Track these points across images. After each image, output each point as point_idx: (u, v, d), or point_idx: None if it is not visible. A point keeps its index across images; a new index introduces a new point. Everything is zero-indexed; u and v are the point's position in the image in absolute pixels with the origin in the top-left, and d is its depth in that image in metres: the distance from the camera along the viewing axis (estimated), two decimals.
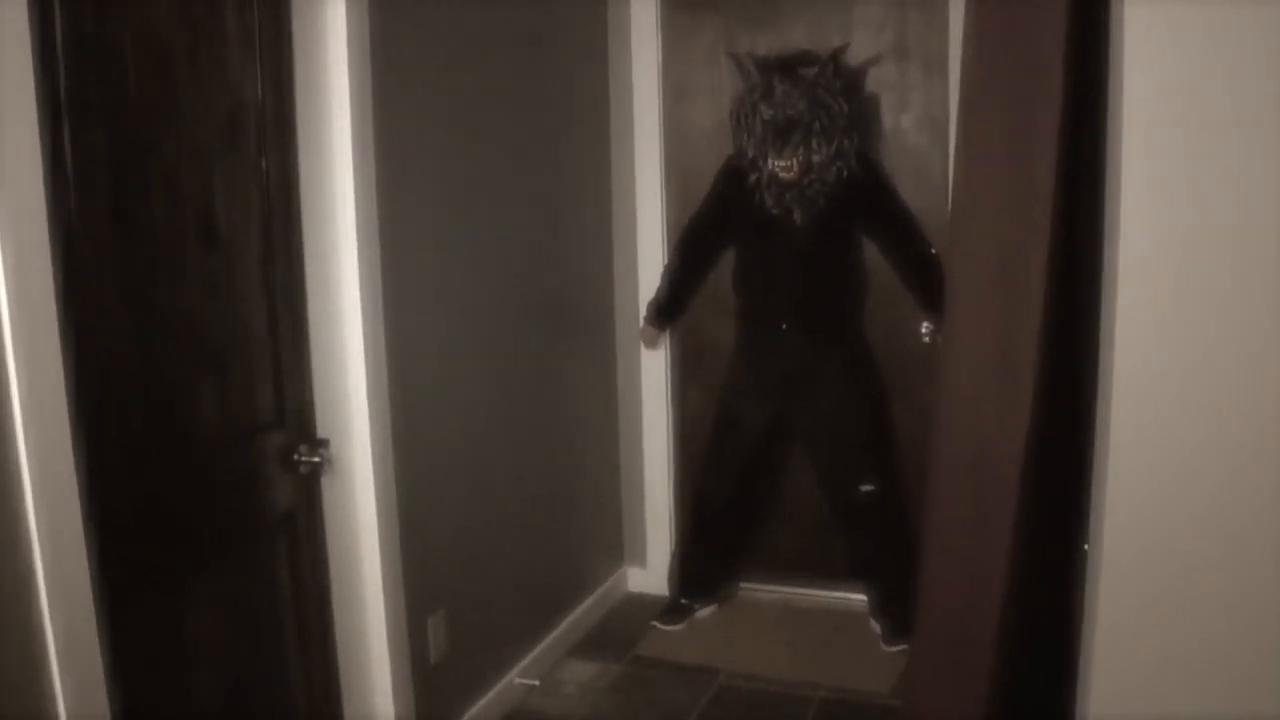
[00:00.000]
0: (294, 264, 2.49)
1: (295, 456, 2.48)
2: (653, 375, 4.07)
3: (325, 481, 2.59)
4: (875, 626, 3.71)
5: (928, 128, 3.64)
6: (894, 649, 3.55)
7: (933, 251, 3.56)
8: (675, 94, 3.91)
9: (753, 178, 3.48)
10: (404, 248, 2.76)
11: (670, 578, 4.02)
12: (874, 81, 3.64)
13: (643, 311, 3.94)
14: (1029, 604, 2.51)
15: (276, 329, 2.44)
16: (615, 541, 4.17)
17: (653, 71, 3.89)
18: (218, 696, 2.31)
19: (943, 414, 2.61)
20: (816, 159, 3.39)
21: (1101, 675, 2.13)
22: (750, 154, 3.47)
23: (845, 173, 3.42)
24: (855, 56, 3.58)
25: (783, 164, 3.39)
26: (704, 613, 3.92)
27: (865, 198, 3.51)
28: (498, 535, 3.27)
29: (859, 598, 3.85)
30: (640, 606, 4.03)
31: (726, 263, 3.79)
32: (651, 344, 3.98)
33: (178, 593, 2.19)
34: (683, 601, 3.90)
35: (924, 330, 3.66)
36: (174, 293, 2.18)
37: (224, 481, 2.33)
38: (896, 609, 3.63)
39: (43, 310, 1.76)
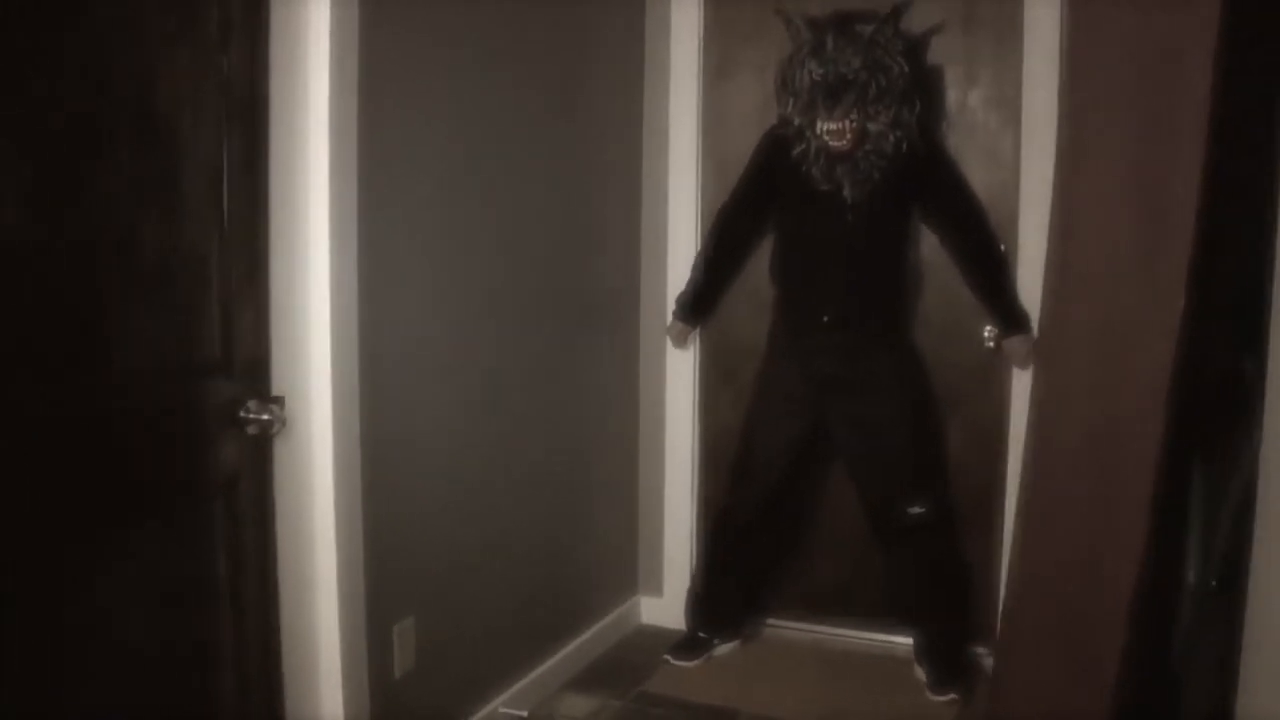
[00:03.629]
0: (255, 184, 2.11)
1: (242, 413, 2.08)
2: (680, 379, 3.64)
3: (278, 446, 2.19)
4: (919, 672, 3.23)
5: (998, 106, 3.23)
6: (942, 698, 3.09)
7: (1002, 248, 3.14)
8: (716, 71, 3.54)
9: (799, 148, 3.08)
10: (391, 190, 2.39)
11: (687, 609, 3.57)
12: (937, 53, 3.24)
13: (671, 307, 3.53)
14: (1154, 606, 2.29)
15: (228, 257, 2.06)
16: (629, 566, 3.73)
17: (693, 45, 3.52)
18: (121, 708, 1.87)
19: (1051, 405, 2.49)
20: (872, 127, 2.98)
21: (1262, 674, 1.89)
22: (796, 121, 3.07)
23: (904, 145, 3.01)
24: (917, 23, 3.18)
25: (833, 128, 2.98)
26: (724, 649, 3.46)
27: (926, 177, 3.10)
28: (486, 541, 2.85)
29: (902, 640, 3.37)
30: (653, 640, 3.58)
31: (765, 252, 3.38)
32: (680, 343, 3.56)
33: (68, 570, 1.77)
34: (700, 635, 3.45)
35: (987, 335, 3.23)
36: (92, 197, 1.79)
37: (145, 430, 1.92)
38: (946, 652, 3.18)
39: None
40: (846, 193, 3.03)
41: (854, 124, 2.95)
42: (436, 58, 2.54)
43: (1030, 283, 3.14)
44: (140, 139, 1.88)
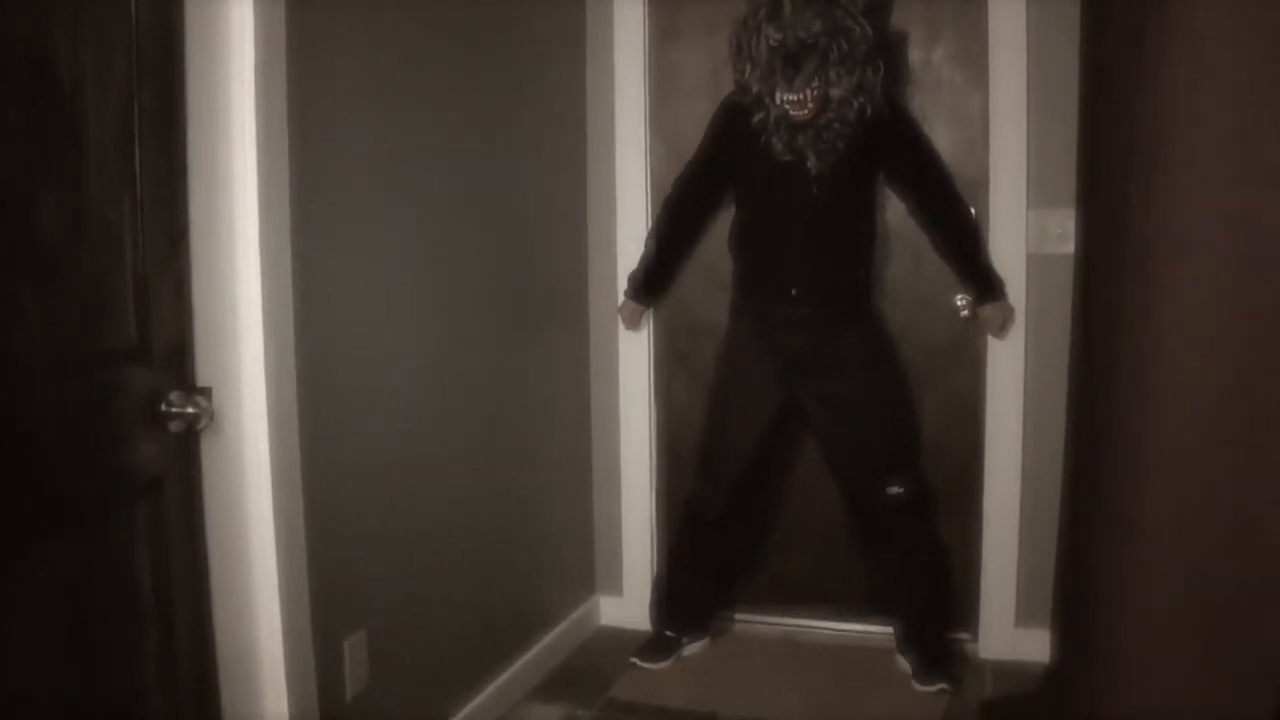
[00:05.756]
0: (172, 145, 1.86)
1: (164, 406, 1.83)
2: (633, 362, 3.43)
3: (206, 444, 1.93)
4: (903, 662, 3.06)
5: (963, 63, 3.08)
6: (930, 689, 2.93)
7: (972, 212, 2.99)
8: (663, 34, 3.33)
9: (758, 117, 2.87)
10: (326, 156, 2.14)
11: (652, 606, 3.36)
12: (898, 8, 3.08)
13: (622, 286, 3.31)
14: None
15: (142, 228, 1.80)
16: (585, 564, 3.51)
17: (637, 6, 3.31)
18: None
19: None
20: (835, 92, 2.79)
21: None
22: (755, 88, 2.86)
23: (868, 111, 2.83)
24: None
25: (794, 98, 2.79)
26: (693, 648, 3.26)
27: (892, 143, 2.93)
28: (439, 546, 2.61)
29: (878, 629, 3.21)
30: (615, 642, 3.37)
31: (721, 226, 3.18)
32: (632, 324, 3.35)
33: None
34: (668, 635, 3.24)
35: (961, 304, 3.08)
36: None
37: (50, 430, 1.65)
38: (930, 640, 3.01)
39: None
40: (810, 163, 2.85)
41: (816, 92, 2.76)
42: (371, 20, 2.29)
43: (1002, 246, 3.01)
44: (34, 96, 1.61)
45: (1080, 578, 2.42)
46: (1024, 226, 3.01)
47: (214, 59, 1.89)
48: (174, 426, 1.84)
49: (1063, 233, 2.95)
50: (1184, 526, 1.92)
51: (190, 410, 1.84)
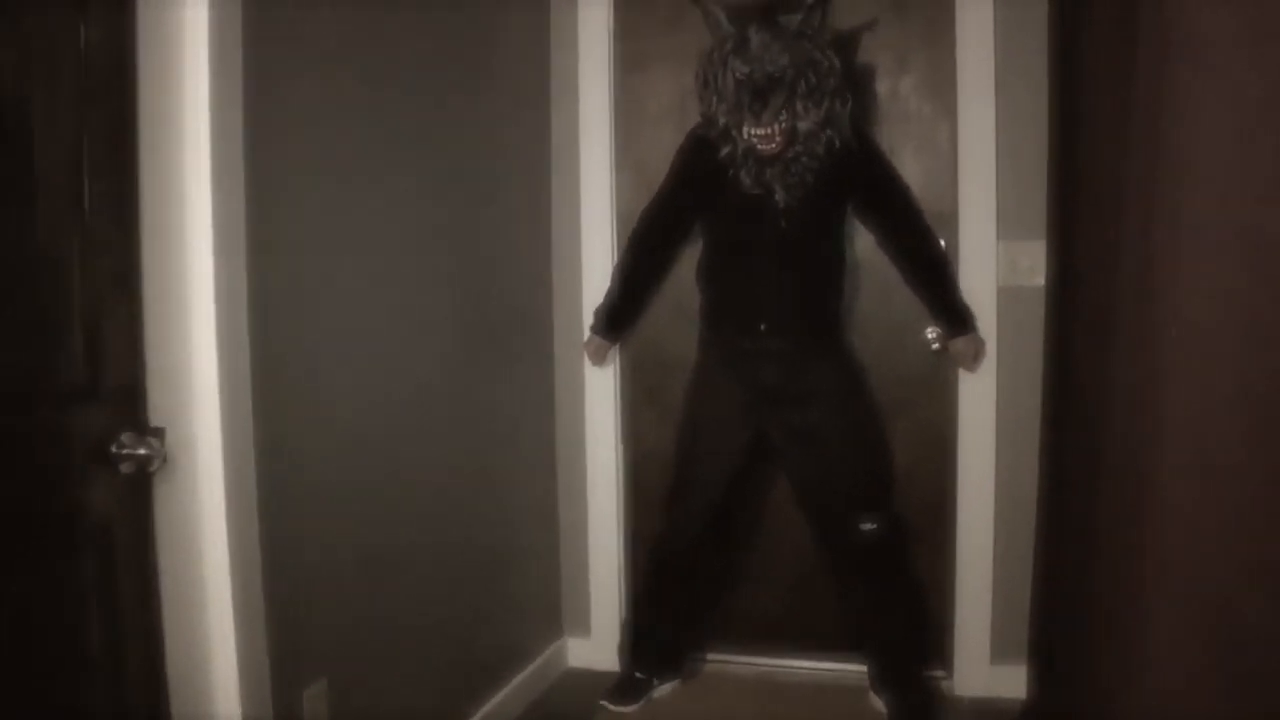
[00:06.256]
0: (123, 175, 1.78)
1: (114, 448, 1.74)
2: (600, 399, 3.37)
3: (159, 487, 1.84)
4: (877, 702, 3.00)
5: (932, 94, 3.07)
6: None
7: (941, 244, 2.96)
8: (630, 62, 3.30)
9: (725, 151, 2.83)
10: (283, 190, 2.07)
11: (621, 648, 3.28)
12: (866, 39, 3.06)
13: (588, 321, 3.25)
14: None
15: (91, 262, 1.72)
16: (553, 605, 3.42)
17: (602, 35, 3.27)
18: None
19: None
20: (803, 126, 2.76)
21: None
22: (721, 122, 2.82)
23: (837, 143, 2.80)
24: (848, 20, 3.00)
25: (762, 133, 2.75)
26: (663, 690, 3.17)
27: (860, 176, 2.90)
28: (402, 589, 2.52)
29: (853, 668, 3.14)
30: (583, 683, 3.28)
31: (689, 260, 3.14)
32: (599, 360, 3.29)
33: None
34: (637, 676, 3.15)
35: (931, 337, 3.05)
36: None
37: None
38: (906, 678, 2.96)
39: None
40: (778, 196, 2.81)
41: (783, 125, 2.73)
42: (332, 47, 2.23)
43: (972, 278, 2.99)
44: None
45: (1074, 612, 2.35)
46: (994, 258, 2.99)
47: (167, 83, 1.82)
48: (125, 469, 1.75)
49: (1033, 265, 2.94)
50: (1200, 554, 1.85)
51: (142, 451, 1.76)
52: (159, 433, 1.80)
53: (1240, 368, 1.81)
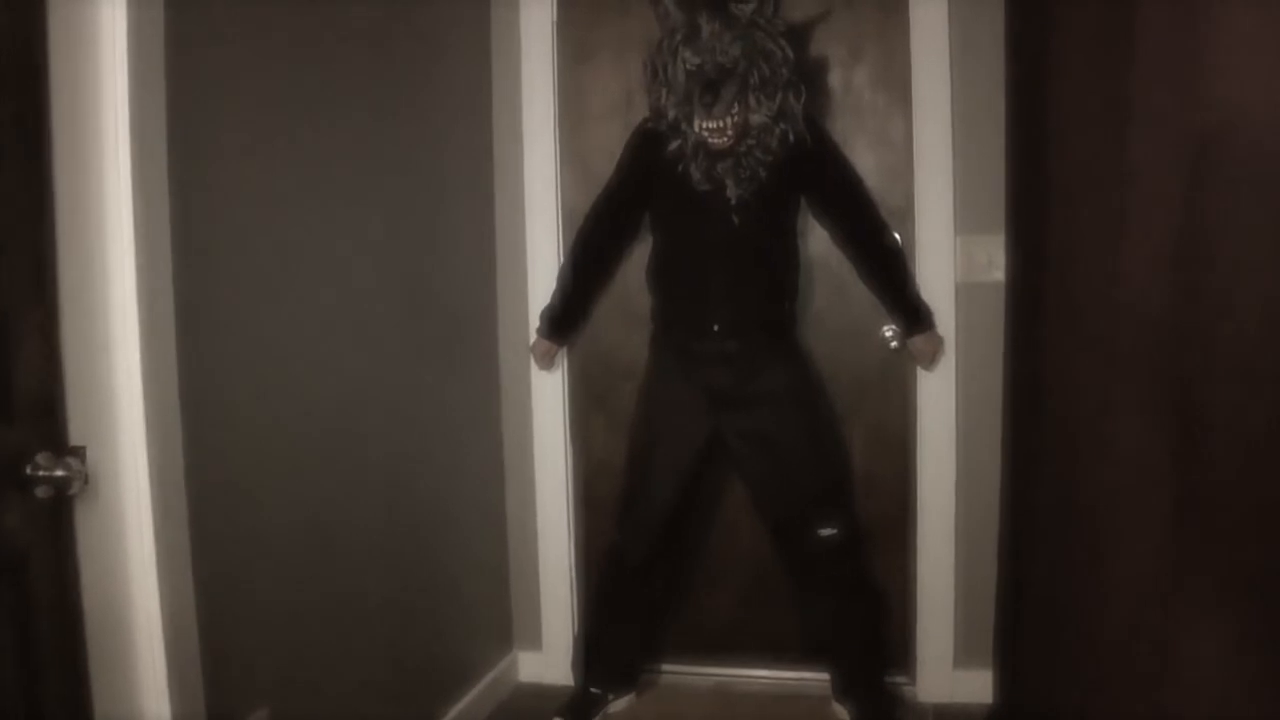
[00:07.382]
0: (33, 173, 1.63)
1: (29, 469, 1.59)
2: (547, 404, 3.25)
3: (80, 511, 1.69)
4: (840, 710, 2.93)
5: (886, 86, 3.00)
6: None
7: (898, 239, 2.90)
8: (573, 55, 3.19)
9: (674, 145, 2.73)
10: (209, 182, 1.94)
11: (574, 662, 3.17)
12: (819, 29, 2.98)
13: (534, 322, 3.14)
14: None
15: (0, 267, 1.57)
16: (502, 618, 3.30)
17: (545, 25, 3.16)
18: None
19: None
20: (755, 119, 2.67)
21: None
22: (671, 115, 2.72)
23: (790, 137, 2.72)
24: (800, 10, 2.92)
25: (713, 126, 2.65)
26: (619, 704, 3.07)
27: (814, 170, 2.82)
28: (345, 609, 2.39)
29: (814, 676, 3.06)
30: (535, 699, 3.17)
31: (637, 260, 3.04)
32: (545, 363, 3.17)
33: None
34: (592, 691, 3.05)
35: (889, 335, 2.99)
36: None
37: None
38: (868, 685, 2.89)
39: None
40: (730, 192, 2.72)
41: (735, 119, 2.64)
42: (264, 41, 2.09)
43: (930, 274, 2.93)
44: None
45: (1040, 615, 2.29)
46: (952, 254, 2.93)
47: (82, 71, 1.67)
48: (41, 492, 1.61)
49: (991, 259, 2.88)
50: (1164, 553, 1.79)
51: (60, 473, 1.61)
52: (79, 452, 1.65)
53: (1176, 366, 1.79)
